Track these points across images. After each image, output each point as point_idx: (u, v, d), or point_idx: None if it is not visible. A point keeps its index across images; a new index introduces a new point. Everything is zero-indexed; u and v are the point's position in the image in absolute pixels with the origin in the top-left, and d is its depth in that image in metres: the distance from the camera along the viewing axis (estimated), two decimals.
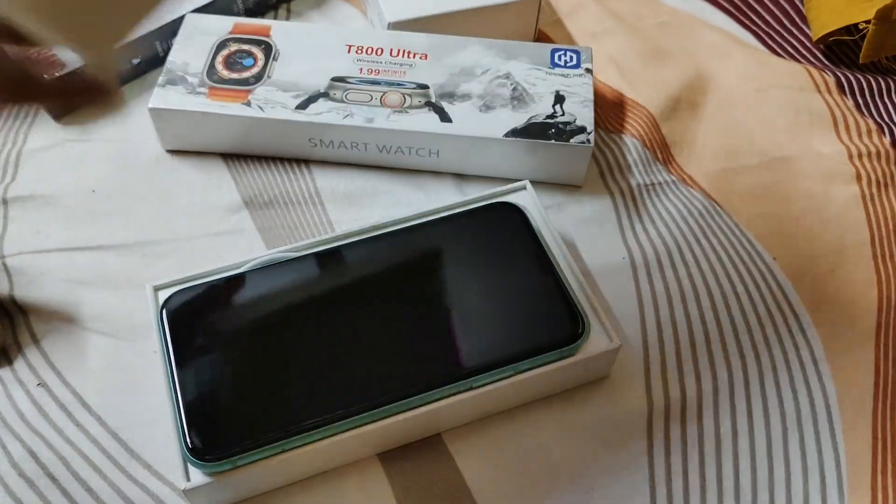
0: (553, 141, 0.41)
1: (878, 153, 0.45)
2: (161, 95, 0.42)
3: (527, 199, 0.39)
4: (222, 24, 0.45)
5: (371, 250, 0.36)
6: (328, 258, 0.35)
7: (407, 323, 0.33)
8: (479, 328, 0.33)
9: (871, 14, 0.47)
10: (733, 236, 0.41)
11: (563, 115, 0.42)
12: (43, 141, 0.44)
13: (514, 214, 0.37)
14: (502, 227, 0.37)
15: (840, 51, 0.52)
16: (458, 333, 0.33)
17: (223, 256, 0.36)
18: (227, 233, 0.40)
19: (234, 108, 0.41)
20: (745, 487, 0.33)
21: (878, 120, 0.47)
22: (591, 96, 0.42)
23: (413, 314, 0.34)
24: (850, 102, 0.48)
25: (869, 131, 0.46)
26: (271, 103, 0.41)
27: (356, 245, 0.36)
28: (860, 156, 0.45)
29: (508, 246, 0.36)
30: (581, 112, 0.42)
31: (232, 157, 0.44)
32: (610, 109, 0.47)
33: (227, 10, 0.49)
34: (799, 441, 0.34)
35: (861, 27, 0.48)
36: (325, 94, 0.42)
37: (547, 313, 0.34)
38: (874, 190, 0.44)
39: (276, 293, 0.34)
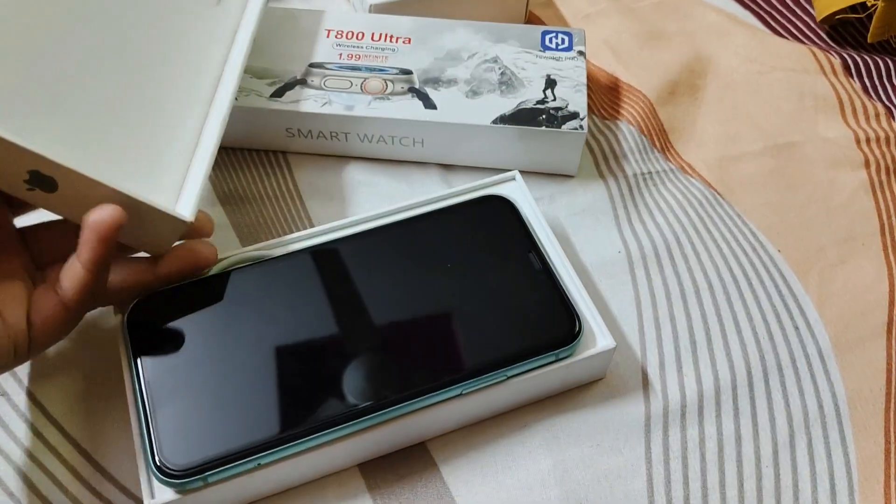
0: (544, 127, 0.39)
1: (888, 138, 0.44)
2: None
3: (516, 191, 0.37)
4: None
5: (351, 248, 0.34)
6: (306, 257, 0.33)
7: (391, 326, 0.32)
8: (468, 331, 0.31)
9: None
10: (735, 227, 0.39)
11: (554, 100, 0.40)
12: None
13: (503, 207, 0.35)
14: (491, 221, 0.35)
15: (846, 31, 0.50)
16: (445, 337, 0.31)
17: None
18: None
19: None
20: (749, 496, 0.31)
21: (887, 103, 0.45)
22: (584, 80, 0.40)
23: (397, 317, 0.32)
24: (857, 85, 0.46)
25: (877, 115, 0.45)
26: (245, 91, 0.39)
27: (336, 243, 0.34)
28: (868, 141, 0.43)
29: (498, 242, 0.34)
30: (573, 97, 0.40)
31: None
32: (604, 94, 0.45)
33: None
34: (807, 445, 0.33)
35: (869, 4, 0.46)
36: (302, 81, 0.40)
37: (539, 313, 0.32)
38: (883, 177, 0.42)
39: (249, 297, 0.32)
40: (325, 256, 0.34)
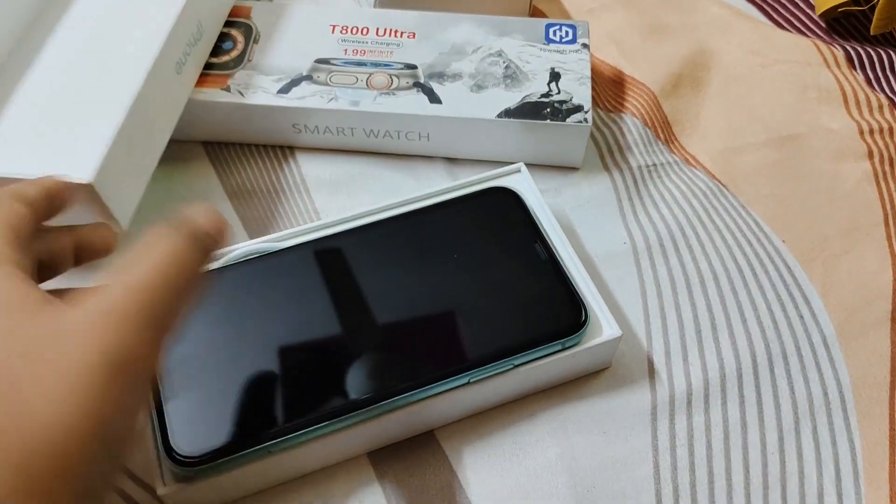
0: (549, 121, 0.39)
1: (891, 129, 0.44)
2: None
3: (522, 183, 0.37)
4: None
5: (359, 240, 0.34)
6: (314, 249, 0.34)
7: (399, 316, 0.32)
8: (475, 320, 0.32)
9: None
10: (739, 218, 0.40)
11: (558, 93, 0.40)
12: None
13: (509, 199, 0.36)
14: (498, 212, 0.35)
15: (848, 23, 0.50)
16: (452, 326, 0.31)
17: None
18: None
19: (212, 94, 0.39)
20: (755, 482, 0.31)
21: (890, 94, 0.45)
22: (588, 73, 0.41)
23: (405, 307, 0.32)
24: (861, 77, 0.46)
25: (880, 106, 0.45)
26: (252, 88, 0.40)
27: (344, 235, 0.34)
28: (871, 132, 0.43)
29: (504, 232, 0.34)
30: (578, 90, 0.40)
31: (213, 145, 0.42)
32: (608, 87, 0.45)
33: None
34: (812, 431, 0.33)
35: None
36: (308, 77, 0.40)
37: (546, 303, 0.32)
38: (887, 167, 0.42)
39: (258, 287, 0.32)
40: (332, 248, 0.34)
